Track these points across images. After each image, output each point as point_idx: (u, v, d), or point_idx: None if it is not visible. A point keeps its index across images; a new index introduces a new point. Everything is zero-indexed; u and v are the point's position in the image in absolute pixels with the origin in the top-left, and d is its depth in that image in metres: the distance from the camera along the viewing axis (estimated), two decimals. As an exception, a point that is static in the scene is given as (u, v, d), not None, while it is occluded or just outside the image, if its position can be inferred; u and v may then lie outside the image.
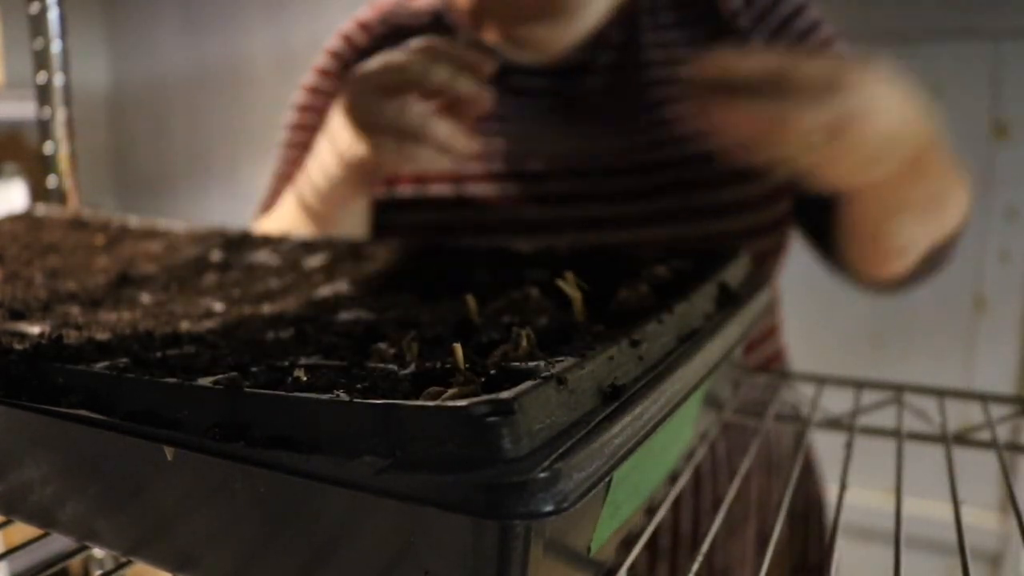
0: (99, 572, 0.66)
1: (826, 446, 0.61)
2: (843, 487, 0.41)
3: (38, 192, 1.67)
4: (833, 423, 0.53)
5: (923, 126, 0.58)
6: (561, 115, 0.72)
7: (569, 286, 0.36)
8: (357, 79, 0.60)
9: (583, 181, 0.69)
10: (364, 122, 0.59)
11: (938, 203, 0.65)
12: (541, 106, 0.73)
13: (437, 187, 0.71)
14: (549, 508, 0.22)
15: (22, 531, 0.33)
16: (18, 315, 0.40)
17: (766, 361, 0.74)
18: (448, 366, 0.27)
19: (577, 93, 0.72)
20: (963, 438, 0.50)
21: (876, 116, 0.51)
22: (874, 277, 0.72)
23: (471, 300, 0.38)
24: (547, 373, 0.25)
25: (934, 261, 0.72)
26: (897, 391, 0.54)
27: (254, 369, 0.29)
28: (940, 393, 0.53)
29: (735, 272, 0.43)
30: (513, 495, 0.21)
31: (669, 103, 0.70)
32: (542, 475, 0.22)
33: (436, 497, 0.22)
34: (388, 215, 0.73)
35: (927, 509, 1.22)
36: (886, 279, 0.72)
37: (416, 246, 0.55)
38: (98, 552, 0.61)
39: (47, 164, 0.72)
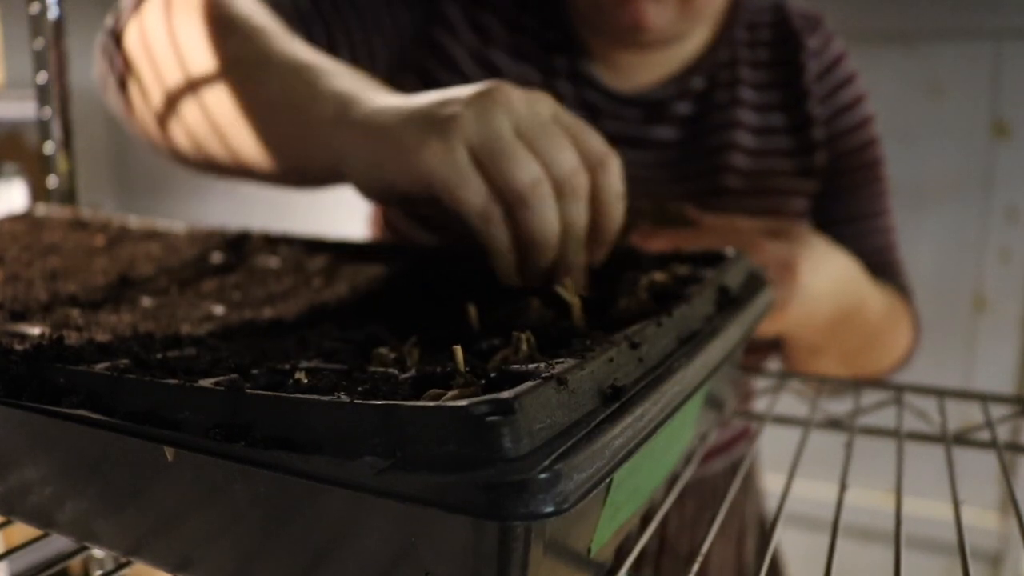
0: (99, 572, 0.66)
1: (826, 446, 0.61)
2: (843, 487, 0.41)
3: (38, 192, 1.67)
4: (833, 423, 0.53)
5: (849, 298, 0.62)
6: (624, 150, 0.68)
7: (568, 293, 0.36)
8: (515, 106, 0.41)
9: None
10: (482, 144, 0.40)
11: (859, 352, 0.71)
12: (610, 131, 0.68)
13: None
14: (549, 509, 0.22)
15: (22, 531, 0.33)
16: (18, 316, 0.40)
17: (737, 461, 0.76)
18: (448, 370, 0.27)
19: (648, 140, 0.70)
20: (963, 438, 0.50)
21: (806, 304, 0.57)
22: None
23: (472, 308, 0.38)
24: (547, 374, 0.25)
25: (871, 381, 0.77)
26: (897, 391, 0.55)
27: (255, 371, 0.29)
28: (940, 393, 0.53)
29: (735, 275, 0.43)
30: (513, 495, 0.22)
31: (729, 172, 0.69)
32: (542, 475, 0.22)
33: (436, 497, 0.22)
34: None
35: (927, 509, 1.22)
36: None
37: (418, 251, 0.55)
38: (98, 552, 0.61)
39: (47, 164, 0.72)
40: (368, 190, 0.45)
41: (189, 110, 0.54)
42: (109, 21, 0.61)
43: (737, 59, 0.72)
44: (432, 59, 0.68)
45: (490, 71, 0.68)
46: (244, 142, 0.52)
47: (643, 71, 0.70)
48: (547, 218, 0.40)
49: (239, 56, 0.52)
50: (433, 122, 0.40)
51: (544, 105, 0.42)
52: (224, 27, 0.53)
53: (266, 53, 0.51)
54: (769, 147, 0.71)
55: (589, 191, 0.42)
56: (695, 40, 0.71)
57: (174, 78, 0.55)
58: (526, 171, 0.39)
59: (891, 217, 0.76)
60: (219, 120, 0.53)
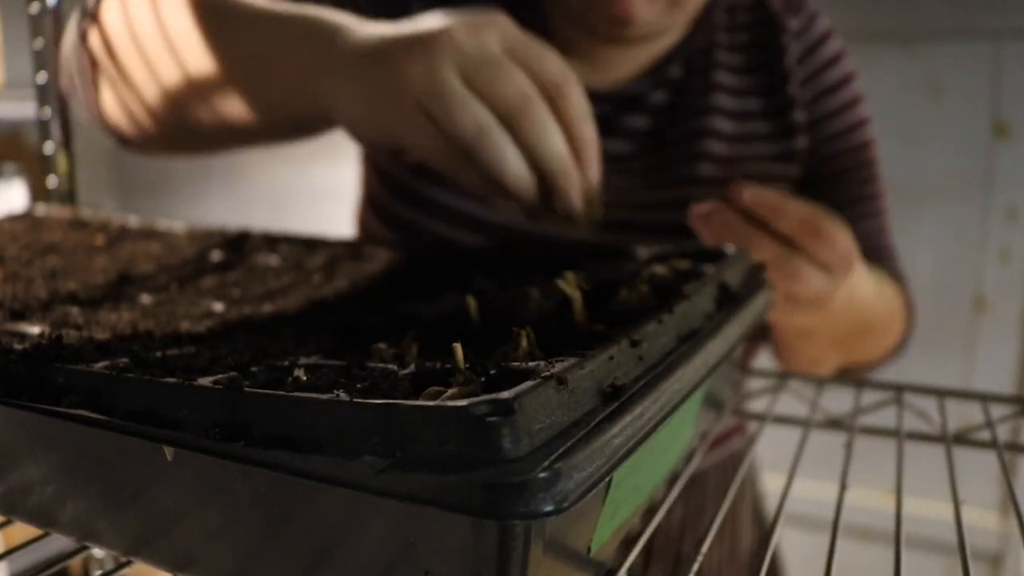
0: (99, 572, 0.66)
1: (826, 446, 0.61)
2: (843, 487, 0.41)
3: (38, 192, 1.67)
4: (833, 423, 0.53)
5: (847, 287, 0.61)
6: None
7: (569, 286, 0.36)
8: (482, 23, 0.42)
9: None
10: (451, 84, 0.40)
11: (849, 339, 0.70)
12: None
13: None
14: (549, 508, 0.22)
15: (22, 531, 0.33)
16: (18, 315, 0.40)
17: (730, 456, 0.75)
18: (448, 366, 0.27)
19: (622, 129, 0.69)
20: (963, 438, 0.50)
21: (847, 299, 0.56)
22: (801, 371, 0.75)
23: (471, 300, 0.38)
24: (547, 373, 0.25)
25: (864, 372, 0.76)
26: (897, 391, 0.54)
27: (254, 369, 0.29)
28: (940, 393, 0.53)
29: (735, 272, 0.43)
30: (513, 495, 0.21)
31: (705, 159, 0.68)
32: (542, 475, 0.22)
33: (436, 497, 0.22)
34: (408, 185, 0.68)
35: (927, 509, 1.22)
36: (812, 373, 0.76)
37: (416, 247, 0.55)
38: (98, 552, 0.61)
39: (47, 164, 0.72)
40: (360, 127, 0.45)
41: (172, 83, 0.54)
42: (77, 24, 0.61)
43: (715, 43, 0.70)
44: None
45: None
46: (231, 103, 0.52)
47: (620, 65, 0.69)
48: (549, 130, 0.41)
49: (215, 18, 0.52)
50: (420, 40, 0.40)
51: (501, 31, 0.42)
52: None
53: (240, 10, 0.51)
54: (747, 132, 0.69)
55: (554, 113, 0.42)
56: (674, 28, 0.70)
57: (152, 55, 0.55)
58: (518, 84, 0.40)
59: (883, 201, 0.74)
60: (205, 84, 0.52)
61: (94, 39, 0.58)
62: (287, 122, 0.52)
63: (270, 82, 0.50)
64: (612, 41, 0.66)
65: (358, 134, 0.45)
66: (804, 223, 0.51)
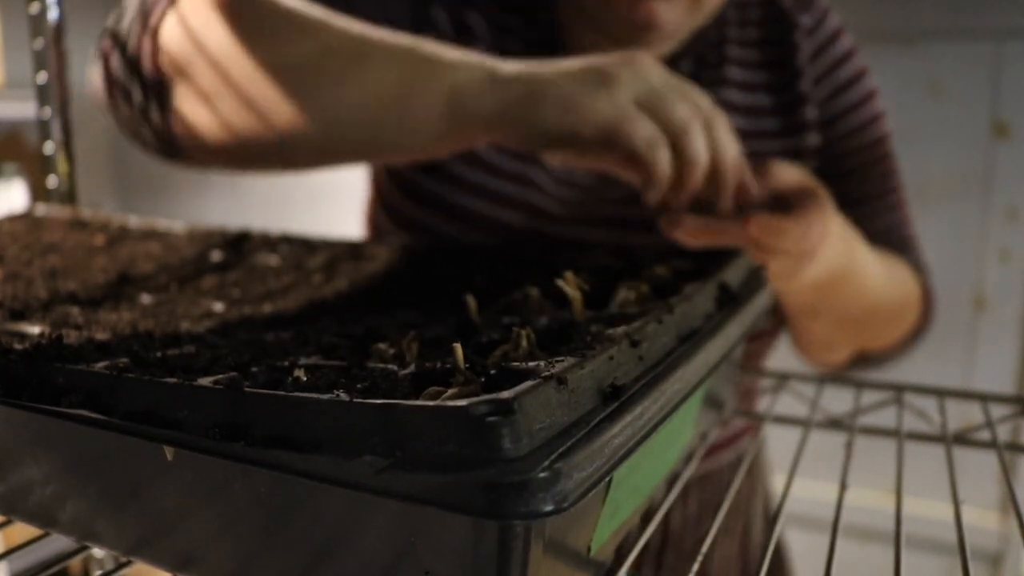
0: (99, 572, 0.66)
1: (826, 446, 0.61)
2: (843, 487, 0.41)
3: (38, 192, 1.67)
4: (833, 423, 0.53)
5: (839, 261, 0.61)
6: None
7: (569, 286, 0.36)
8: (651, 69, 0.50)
9: (598, 231, 0.67)
10: (650, 96, 0.48)
11: (860, 321, 0.70)
12: None
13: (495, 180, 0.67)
14: (549, 508, 0.22)
15: (22, 531, 0.33)
16: (18, 315, 0.40)
17: (738, 458, 0.75)
18: (448, 366, 0.27)
19: None
20: (963, 438, 0.50)
21: (841, 274, 0.58)
22: (813, 360, 0.75)
23: (471, 300, 0.38)
24: (547, 373, 0.25)
25: (880, 361, 0.77)
26: (897, 391, 0.55)
27: (254, 369, 0.29)
28: (940, 393, 0.53)
29: (735, 272, 0.43)
30: (513, 495, 0.21)
31: None
32: (542, 475, 0.22)
33: (436, 497, 0.22)
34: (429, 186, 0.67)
35: (927, 509, 1.22)
36: (827, 364, 0.76)
37: (417, 247, 0.55)
38: (98, 552, 0.61)
39: (47, 164, 0.72)
40: (533, 138, 0.50)
41: (275, 105, 0.53)
42: (134, 27, 0.57)
43: (726, 38, 0.70)
44: None
45: None
46: (350, 127, 0.53)
47: None
48: (702, 143, 0.49)
49: (333, 47, 0.53)
50: (599, 80, 0.48)
51: (667, 74, 0.50)
52: (297, 22, 0.54)
53: (363, 41, 0.53)
54: (756, 128, 0.69)
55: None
56: None
57: (248, 77, 0.54)
58: (683, 108, 0.48)
59: (901, 192, 0.75)
60: (321, 112, 0.53)
61: (169, 48, 0.55)
62: (427, 140, 0.53)
63: (413, 105, 0.51)
64: (633, 45, 0.66)
65: (526, 136, 0.49)
66: (800, 239, 0.53)
